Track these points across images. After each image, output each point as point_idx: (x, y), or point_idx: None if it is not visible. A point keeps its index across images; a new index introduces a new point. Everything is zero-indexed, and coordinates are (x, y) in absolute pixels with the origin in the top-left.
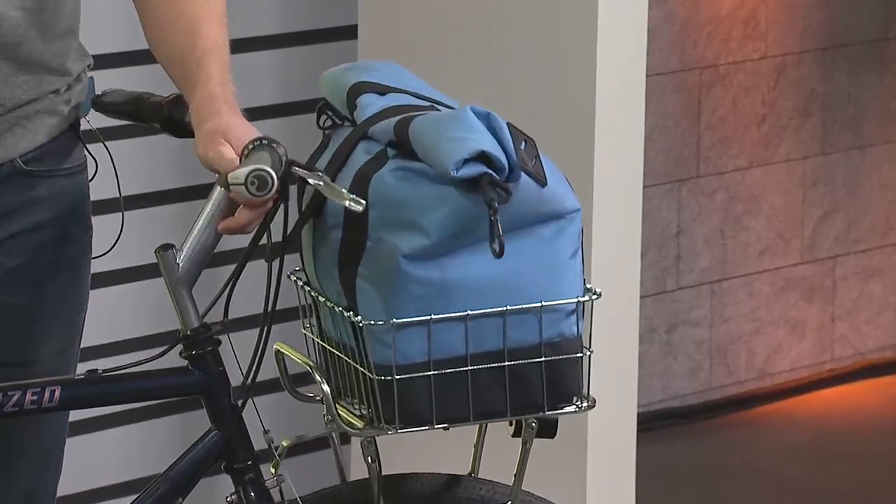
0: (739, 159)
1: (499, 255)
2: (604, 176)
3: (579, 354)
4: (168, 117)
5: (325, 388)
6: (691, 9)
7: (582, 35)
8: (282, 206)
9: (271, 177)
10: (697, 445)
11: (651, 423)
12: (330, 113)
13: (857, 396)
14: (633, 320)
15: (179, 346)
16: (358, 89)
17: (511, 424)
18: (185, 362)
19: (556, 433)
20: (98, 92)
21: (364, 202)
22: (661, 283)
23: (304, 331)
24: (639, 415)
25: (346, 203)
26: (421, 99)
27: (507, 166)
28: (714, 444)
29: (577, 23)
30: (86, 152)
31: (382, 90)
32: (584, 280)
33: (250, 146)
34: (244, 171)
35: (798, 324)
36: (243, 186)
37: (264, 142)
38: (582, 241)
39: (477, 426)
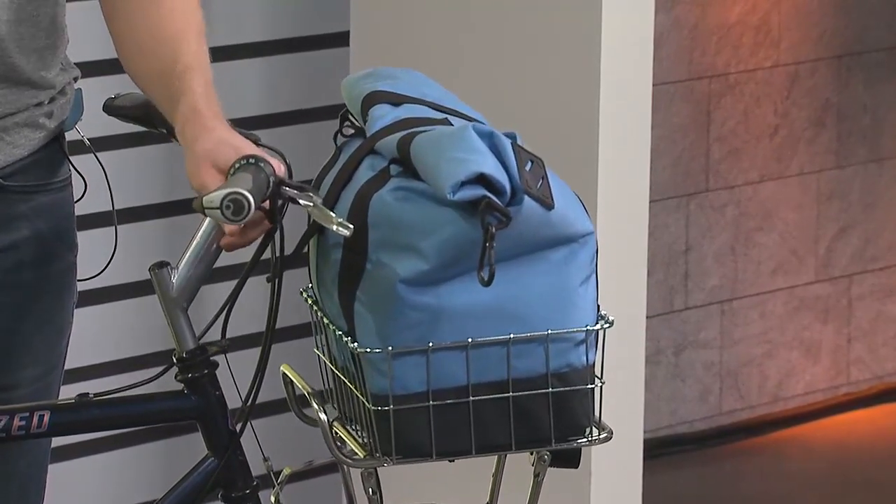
0: (751, 173)
1: (487, 283)
2: (608, 190)
3: (590, 386)
4: None
5: (322, 416)
6: (700, 15)
7: (585, 42)
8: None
9: (248, 200)
10: (707, 473)
11: (658, 450)
12: (352, 120)
13: (874, 421)
14: (639, 341)
15: (175, 369)
16: (372, 99)
17: (532, 454)
18: (180, 385)
19: (579, 463)
20: (111, 95)
21: (352, 227)
22: (668, 302)
23: (316, 351)
24: (645, 441)
25: (334, 227)
26: (437, 110)
27: (508, 189)
28: (725, 473)
29: (579, 29)
30: (71, 168)
31: (397, 100)
32: (598, 307)
33: (236, 165)
34: (219, 194)
35: (812, 345)
36: (219, 211)
37: (251, 161)
38: (596, 265)
39: (496, 456)
